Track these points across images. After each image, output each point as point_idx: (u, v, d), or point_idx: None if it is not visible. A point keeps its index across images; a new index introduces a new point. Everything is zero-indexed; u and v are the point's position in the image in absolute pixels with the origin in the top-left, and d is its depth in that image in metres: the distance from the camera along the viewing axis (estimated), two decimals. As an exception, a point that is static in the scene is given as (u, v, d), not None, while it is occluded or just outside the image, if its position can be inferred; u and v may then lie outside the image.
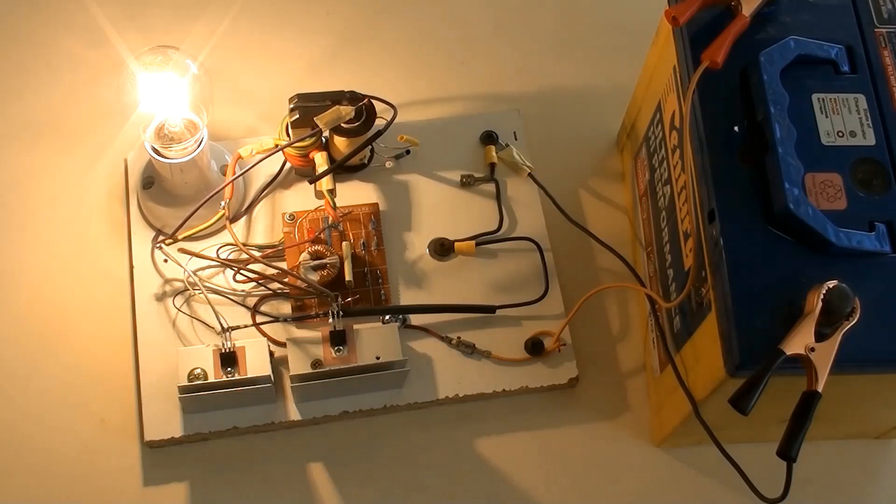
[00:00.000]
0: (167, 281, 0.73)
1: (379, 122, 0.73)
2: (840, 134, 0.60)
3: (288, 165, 0.78)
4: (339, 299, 0.71)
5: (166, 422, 0.70)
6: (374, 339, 0.70)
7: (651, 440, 0.73)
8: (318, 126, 0.71)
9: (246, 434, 0.71)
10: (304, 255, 0.74)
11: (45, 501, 0.70)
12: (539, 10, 0.90)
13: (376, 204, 0.77)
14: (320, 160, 0.74)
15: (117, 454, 0.71)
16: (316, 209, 0.76)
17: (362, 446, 0.72)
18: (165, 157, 0.70)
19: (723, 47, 0.60)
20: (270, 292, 0.74)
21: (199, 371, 0.69)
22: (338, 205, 0.74)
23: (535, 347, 0.74)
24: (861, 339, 0.55)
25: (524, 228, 0.78)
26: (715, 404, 0.62)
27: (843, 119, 0.61)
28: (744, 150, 0.60)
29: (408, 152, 0.79)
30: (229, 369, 0.69)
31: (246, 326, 0.72)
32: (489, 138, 0.81)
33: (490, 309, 0.74)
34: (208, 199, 0.71)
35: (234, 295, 0.74)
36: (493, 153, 0.80)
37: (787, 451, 0.54)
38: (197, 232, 0.74)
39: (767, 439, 0.73)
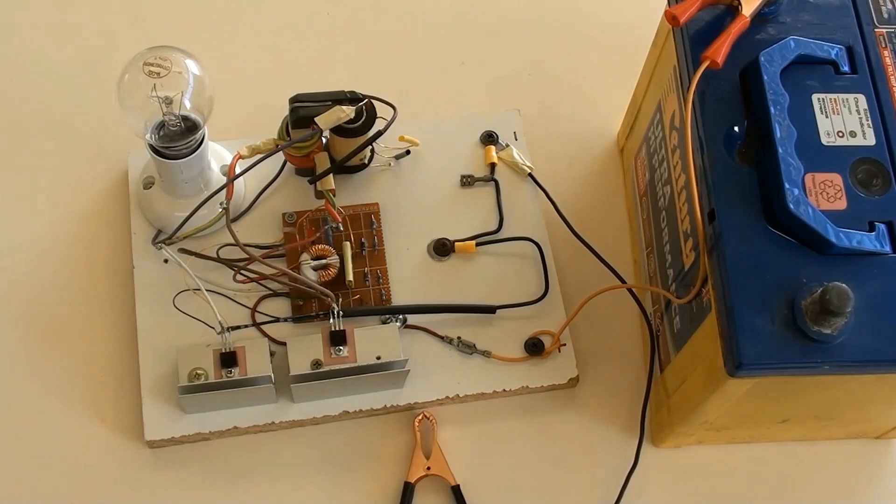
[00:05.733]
0: (167, 281, 0.73)
1: (379, 123, 0.73)
2: (840, 134, 0.60)
3: (288, 165, 0.78)
4: (339, 299, 0.71)
5: (166, 422, 0.70)
6: (374, 339, 0.70)
7: (651, 440, 0.73)
8: (318, 126, 0.71)
9: (246, 434, 0.71)
10: (304, 255, 0.74)
11: (45, 501, 0.70)
12: (539, 11, 0.90)
13: (376, 204, 0.77)
14: (321, 160, 0.74)
15: (117, 454, 0.71)
16: (316, 209, 0.76)
17: (362, 446, 0.72)
18: (165, 157, 0.70)
19: (723, 47, 0.60)
20: (270, 292, 0.74)
21: (199, 371, 0.69)
22: (338, 205, 0.74)
23: (534, 347, 0.74)
24: (861, 339, 0.55)
25: (524, 228, 0.78)
26: (715, 404, 0.62)
27: (843, 119, 0.61)
28: (744, 150, 0.60)
29: (408, 152, 0.80)
30: (229, 369, 0.69)
31: (246, 326, 0.72)
32: (489, 138, 0.81)
33: (490, 309, 0.74)
34: (208, 199, 0.71)
35: (234, 295, 0.74)
36: (493, 153, 0.80)
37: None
38: (197, 232, 0.74)
39: (768, 439, 0.73)
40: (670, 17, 0.62)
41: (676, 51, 0.65)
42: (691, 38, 0.63)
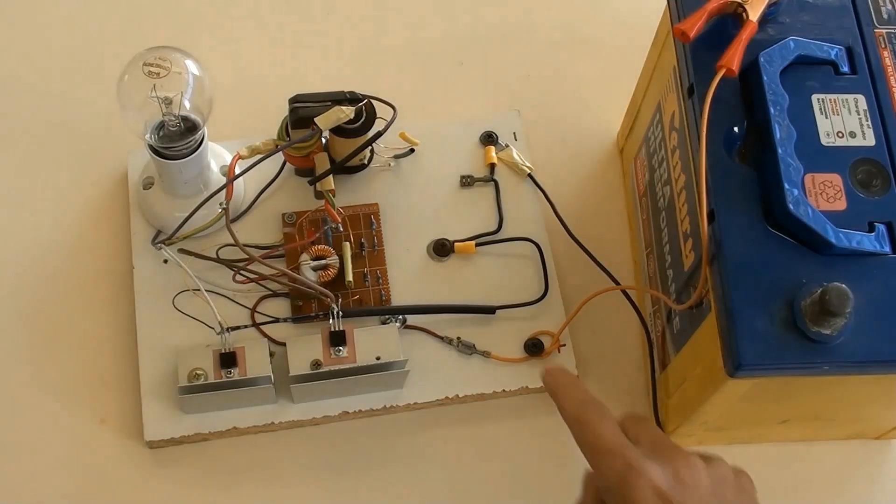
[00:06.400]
0: (167, 281, 0.73)
1: (379, 123, 0.73)
2: (840, 134, 0.60)
3: (287, 166, 0.78)
4: (339, 300, 0.71)
5: (166, 422, 0.70)
6: (374, 340, 0.70)
7: (651, 440, 0.73)
8: (317, 126, 0.71)
9: (246, 434, 0.71)
10: (304, 256, 0.74)
11: (44, 501, 0.70)
12: (539, 11, 0.90)
13: (376, 204, 0.77)
14: (320, 161, 0.74)
15: (117, 454, 0.71)
16: (316, 209, 0.76)
17: (362, 446, 0.72)
18: (165, 158, 0.70)
19: (736, 55, 0.60)
20: (270, 292, 0.74)
21: (198, 371, 0.69)
22: (338, 205, 0.74)
23: (534, 348, 0.74)
24: (861, 339, 0.55)
25: (524, 229, 0.78)
26: (715, 404, 0.62)
27: (843, 120, 0.61)
28: (743, 151, 0.60)
29: (412, 150, 0.80)
30: (229, 370, 0.69)
31: (246, 327, 0.72)
32: (489, 139, 0.81)
33: (490, 309, 0.74)
34: (208, 200, 0.71)
35: (234, 295, 0.74)
36: (493, 154, 0.80)
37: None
38: (196, 232, 0.74)
39: (768, 440, 0.73)
40: (679, 33, 0.62)
41: (677, 55, 0.65)
42: (692, 43, 0.63)
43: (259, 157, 0.72)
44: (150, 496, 0.70)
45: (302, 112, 0.71)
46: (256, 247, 0.75)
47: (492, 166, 0.80)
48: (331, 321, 0.70)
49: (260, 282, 0.74)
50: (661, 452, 0.55)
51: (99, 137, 0.81)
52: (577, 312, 0.73)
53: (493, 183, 0.79)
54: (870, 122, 0.60)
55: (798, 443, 0.73)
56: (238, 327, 0.72)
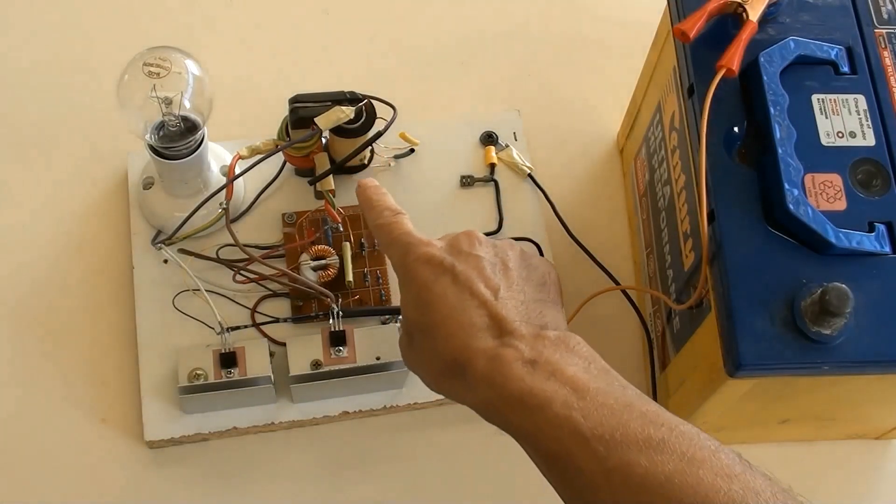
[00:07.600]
0: (167, 281, 0.73)
1: (379, 123, 0.73)
2: (840, 134, 0.60)
3: (288, 166, 0.78)
4: (339, 300, 0.71)
5: (166, 422, 0.70)
6: (374, 340, 0.70)
7: (651, 440, 0.73)
8: (317, 127, 0.71)
9: (246, 434, 0.71)
10: (304, 256, 0.74)
11: (44, 501, 0.70)
12: (540, 11, 0.90)
13: (376, 204, 0.77)
14: (320, 161, 0.74)
15: (117, 454, 0.71)
16: (316, 209, 0.76)
17: (362, 446, 0.72)
18: (165, 158, 0.70)
19: (736, 55, 0.60)
20: (270, 293, 0.74)
21: (198, 371, 0.69)
22: (338, 205, 0.74)
23: (534, 348, 0.73)
24: (861, 340, 0.55)
25: (524, 229, 0.78)
26: (715, 404, 0.62)
27: (843, 120, 0.61)
28: (743, 151, 0.60)
29: (412, 151, 0.80)
30: (229, 370, 0.69)
31: (246, 327, 0.72)
32: (489, 139, 0.81)
33: (490, 309, 0.74)
34: (208, 200, 0.71)
35: (234, 295, 0.74)
36: (493, 154, 0.80)
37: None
38: (197, 232, 0.74)
39: (768, 440, 0.73)
40: (679, 34, 0.62)
41: (677, 55, 0.65)
42: (692, 43, 0.63)
43: (259, 157, 0.72)
44: (150, 496, 0.70)
45: (302, 112, 0.71)
46: (256, 247, 0.75)
47: (492, 166, 0.80)
48: (331, 321, 0.70)
49: (260, 282, 0.74)
50: (450, 237, 0.58)
51: (99, 137, 0.81)
52: (577, 312, 0.73)
53: (493, 183, 0.79)
54: (870, 122, 0.60)
55: (798, 443, 0.73)
56: (238, 327, 0.72)
